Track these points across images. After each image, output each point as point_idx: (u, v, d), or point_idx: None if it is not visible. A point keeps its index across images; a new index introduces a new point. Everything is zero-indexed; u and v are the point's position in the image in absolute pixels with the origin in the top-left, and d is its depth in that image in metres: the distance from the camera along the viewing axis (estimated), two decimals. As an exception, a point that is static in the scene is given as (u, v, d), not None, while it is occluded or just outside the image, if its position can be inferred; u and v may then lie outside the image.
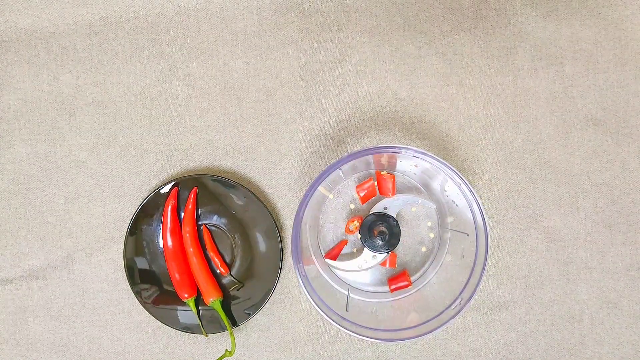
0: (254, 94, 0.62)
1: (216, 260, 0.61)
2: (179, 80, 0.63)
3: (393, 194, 0.58)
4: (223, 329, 0.60)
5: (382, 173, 0.59)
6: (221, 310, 0.60)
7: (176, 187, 0.60)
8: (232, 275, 0.61)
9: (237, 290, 0.61)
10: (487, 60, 0.62)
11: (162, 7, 0.63)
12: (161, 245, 0.61)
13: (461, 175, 0.51)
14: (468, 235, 0.54)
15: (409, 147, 0.50)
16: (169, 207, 0.60)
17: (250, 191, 0.60)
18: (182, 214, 0.61)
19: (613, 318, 0.61)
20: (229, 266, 0.62)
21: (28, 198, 0.63)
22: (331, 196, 0.61)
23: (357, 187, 0.60)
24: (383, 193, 0.59)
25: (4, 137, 0.63)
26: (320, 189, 0.56)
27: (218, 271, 0.62)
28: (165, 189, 0.60)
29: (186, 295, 0.60)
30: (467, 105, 0.62)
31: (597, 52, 0.62)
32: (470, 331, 0.61)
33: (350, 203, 0.61)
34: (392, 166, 0.60)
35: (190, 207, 0.60)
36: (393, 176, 0.59)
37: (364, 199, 0.60)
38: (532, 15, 0.62)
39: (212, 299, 0.59)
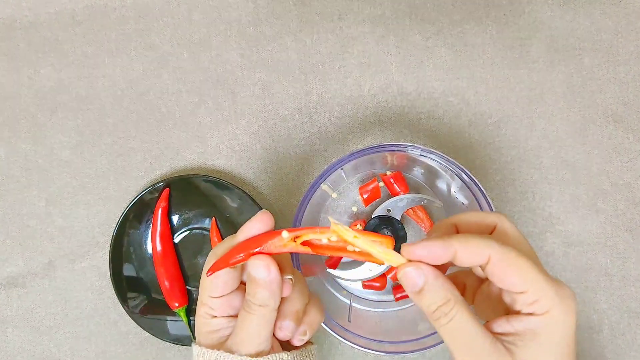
0: (249, 88, 0.61)
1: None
2: (169, 73, 0.61)
3: (407, 190, 0.58)
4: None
5: (387, 174, 0.58)
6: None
7: (167, 189, 0.59)
8: None
9: None
10: (500, 52, 0.60)
11: (151, -5, 0.61)
12: (150, 250, 0.60)
13: (472, 175, 0.49)
14: None
15: (415, 145, 0.49)
16: (160, 210, 0.59)
17: (246, 193, 0.58)
18: (173, 217, 0.60)
19: (635, 329, 0.59)
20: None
21: (7, 200, 0.61)
22: (334, 195, 0.59)
23: (360, 188, 0.59)
24: (395, 193, 0.58)
25: (-19, 135, 0.62)
26: (323, 186, 0.55)
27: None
28: (154, 190, 0.59)
29: (177, 305, 0.58)
30: (478, 100, 0.60)
31: (617, 43, 0.60)
32: None
33: (353, 205, 0.60)
34: (401, 167, 0.58)
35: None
36: (400, 173, 0.58)
37: (367, 201, 0.59)
38: (548, 4, 0.60)
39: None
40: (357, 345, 0.50)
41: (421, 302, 0.34)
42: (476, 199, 0.50)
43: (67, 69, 0.61)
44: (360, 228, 0.57)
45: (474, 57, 0.60)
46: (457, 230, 0.38)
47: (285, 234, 0.37)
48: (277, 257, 0.37)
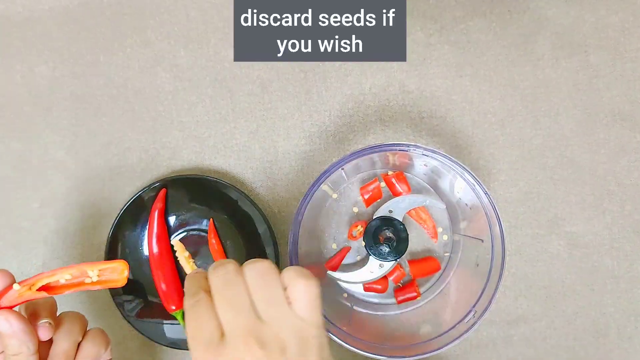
0: (247, 86, 0.61)
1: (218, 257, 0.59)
2: (165, 71, 0.61)
3: (409, 191, 0.57)
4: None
5: (389, 174, 0.57)
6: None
7: (164, 189, 0.58)
8: None
9: None
10: (504, 49, 0.60)
11: (147, -8, 0.61)
12: (146, 252, 0.59)
13: (475, 175, 0.49)
14: (483, 241, 0.52)
15: (418, 144, 0.49)
16: (156, 211, 0.58)
17: (244, 193, 0.58)
18: (170, 218, 0.59)
19: None
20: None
21: None
22: (335, 195, 0.59)
23: (361, 188, 0.58)
24: (397, 194, 0.58)
25: (-26, 135, 0.61)
26: (323, 187, 0.54)
27: None
28: (150, 191, 0.58)
29: (174, 308, 0.58)
30: (482, 98, 0.60)
31: (624, 39, 0.60)
32: (485, 347, 0.59)
33: (354, 206, 0.59)
34: (403, 167, 0.58)
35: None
36: (402, 173, 0.57)
37: (368, 202, 0.58)
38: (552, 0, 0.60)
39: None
40: (359, 349, 0.49)
41: None
42: (479, 200, 0.50)
43: (62, 66, 0.61)
44: (361, 229, 0.57)
45: (477, 55, 0.60)
46: None
47: (16, 286, 0.41)
48: (32, 304, 0.43)
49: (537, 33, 0.60)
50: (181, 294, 0.58)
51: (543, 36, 0.60)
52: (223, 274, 0.37)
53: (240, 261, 0.57)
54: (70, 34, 0.61)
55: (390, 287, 0.58)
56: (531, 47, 0.60)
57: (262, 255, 0.58)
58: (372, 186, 0.57)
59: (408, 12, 0.59)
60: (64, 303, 0.59)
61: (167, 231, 0.59)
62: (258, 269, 0.37)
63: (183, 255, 0.57)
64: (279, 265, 0.57)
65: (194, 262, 0.57)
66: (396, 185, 0.57)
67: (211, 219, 0.59)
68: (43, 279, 0.41)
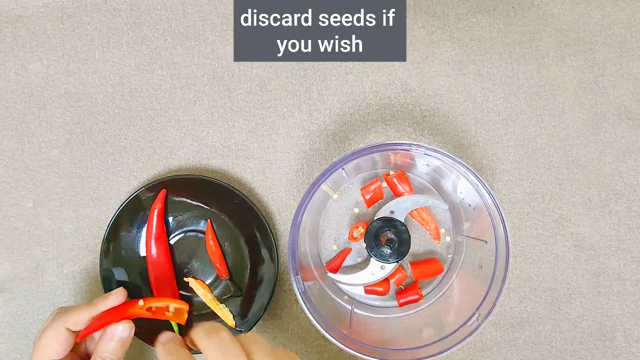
0: (246, 84, 0.60)
1: (218, 266, 0.59)
2: (162, 69, 0.61)
3: (411, 191, 0.57)
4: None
5: (390, 174, 0.57)
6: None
7: (164, 190, 0.58)
8: (233, 281, 0.59)
9: (235, 297, 0.59)
10: (508, 47, 0.60)
11: (144, -13, 0.61)
12: (142, 254, 0.59)
13: (479, 175, 0.50)
14: (486, 242, 0.52)
15: (420, 144, 0.49)
16: (155, 212, 0.58)
17: (242, 194, 0.58)
18: (168, 219, 0.59)
19: None
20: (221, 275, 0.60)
21: None
22: (335, 196, 0.59)
23: (361, 189, 0.58)
24: (398, 194, 0.58)
25: (-34, 133, 0.61)
26: (323, 187, 0.54)
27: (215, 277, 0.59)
28: (147, 191, 0.58)
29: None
30: (485, 97, 0.60)
31: (630, 37, 0.60)
32: (489, 350, 0.59)
33: (355, 207, 0.59)
34: (405, 166, 0.58)
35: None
36: (403, 173, 0.57)
37: (369, 202, 0.58)
38: None
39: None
40: (359, 352, 0.49)
41: None
42: (483, 201, 0.50)
43: (56, 64, 0.61)
44: (362, 231, 0.57)
45: (480, 52, 0.60)
46: None
47: (141, 302, 0.50)
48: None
49: (542, 30, 0.60)
50: (177, 296, 0.58)
51: (548, 33, 0.60)
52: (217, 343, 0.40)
53: (238, 262, 0.58)
54: (65, 31, 0.61)
55: (391, 290, 0.58)
56: (536, 44, 0.60)
57: (261, 256, 0.58)
58: (373, 186, 0.57)
59: (409, 9, 0.60)
60: (55, 301, 0.59)
61: (166, 233, 0.58)
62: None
63: (199, 292, 0.58)
64: (279, 266, 0.57)
65: (212, 297, 0.58)
66: (398, 185, 0.56)
67: (209, 220, 0.58)
68: (160, 301, 0.52)
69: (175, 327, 0.57)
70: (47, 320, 0.48)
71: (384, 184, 0.57)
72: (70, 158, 0.60)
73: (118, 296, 0.49)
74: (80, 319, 0.47)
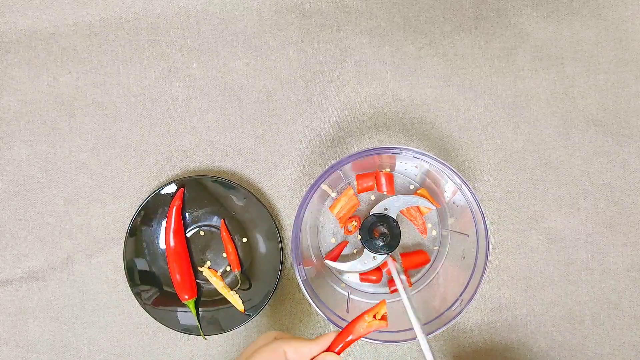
0: (254, 94, 0.62)
1: (232, 258, 0.61)
2: (179, 81, 0.62)
3: (391, 192, 0.58)
4: (223, 330, 0.60)
5: (382, 172, 0.58)
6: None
7: (182, 189, 0.60)
8: (243, 273, 0.61)
9: (242, 290, 0.60)
10: (488, 61, 0.62)
11: (162, 9, 0.62)
12: (161, 246, 0.61)
13: (462, 176, 0.51)
14: (469, 236, 0.54)
15: (409, 147, 0.50)
16: (174, 208, 0.60)
17: (251, 192, 0.59)
18: (187, 215, 0.61)
19: (614, 319, 0.60)
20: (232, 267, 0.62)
21: (28, 199, 0.62)
22: (334, 194, 0.60)
23: (357, 175, 0.59)
24: (380, 190, 0.58)
25: (4, 139, 0.63)
26: (323, 186, 0.55)
27: (226, 269, 0.61)
28: (166, 190, 0.60)
29: (186, 297, 0.60)
30: (467, 106, 0.61)
31: (597, 52, 0.61)
32: (471, 332, 0.61)
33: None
34: (392, 167, 0.59)
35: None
36: (391, 174, 0.58)
37: (361, 190, 0.59)
38: (532, 16, 0.62)
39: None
40: None
41: None
42: (466, 199, 0.51)
43: (84, 76, 0.62)
44: (356, 224, 0.58)
45: (463, 66, 0.61)
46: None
47: (367, 317, 0.44)
48: None
49: (518, 47, 0.61)
50: (194, 285, 0.60)
51: (523, 49, 0.61)
52: None
53: (247, 254, 0.61)
54: (92, 47, 0.63)
55: (384, 278, 0.60)
56: (512, 59, 0.61)
57: (268, 249, 0.59)
58: (367, 178, 0.58)
59: (401, 27, 0.61)
60: (84, 289, 0.61)
61: (183, 227, 0.61)
62: None
63: (212, 280, 0.60)
64: (283, 257, 0.59)
65: (223, 285, 0.60)
66: (383, 185, 0.58)
67: (222, 220, 0.60)
68: (381, 309, 0.44)
69: (193, 311, 0.59)
70: (259, 339, 0.45)
71: (376, 180, 0.58)
72: (97, 160, 0.62)
73: (335, 332, 0.45)
74: (301, 349, 0.43)
